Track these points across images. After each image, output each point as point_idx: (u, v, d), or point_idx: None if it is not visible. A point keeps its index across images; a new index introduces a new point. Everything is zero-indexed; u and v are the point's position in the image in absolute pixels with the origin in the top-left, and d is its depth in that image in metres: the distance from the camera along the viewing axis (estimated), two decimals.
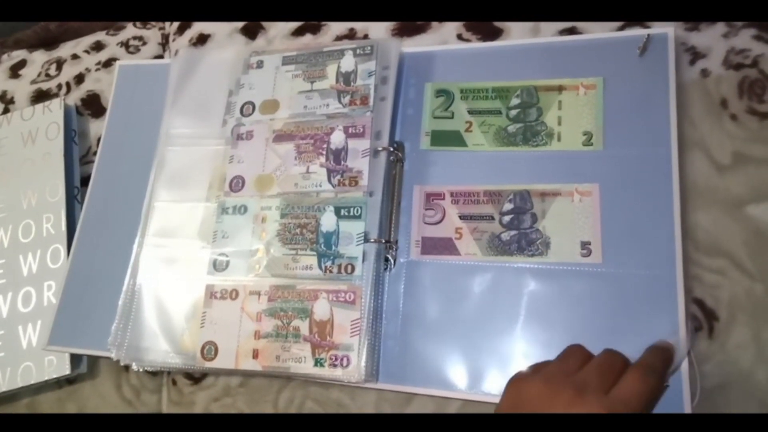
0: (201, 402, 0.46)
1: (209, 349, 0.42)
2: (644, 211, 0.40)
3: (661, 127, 0.41)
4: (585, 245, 0.40)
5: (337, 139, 0.44)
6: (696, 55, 0.43)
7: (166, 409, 0.47)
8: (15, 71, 0.64)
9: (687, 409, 0.35)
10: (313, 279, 0.42)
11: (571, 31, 0.46)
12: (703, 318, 0.38)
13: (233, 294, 0.43)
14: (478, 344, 0.39)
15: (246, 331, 0.42)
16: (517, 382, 0.32)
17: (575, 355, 0.32)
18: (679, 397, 0.36)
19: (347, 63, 0.47)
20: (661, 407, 0.36)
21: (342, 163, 0.44)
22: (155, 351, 0.44)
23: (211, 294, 0.44)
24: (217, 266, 0.44)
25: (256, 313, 0.42)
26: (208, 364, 0.42)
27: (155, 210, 0.48)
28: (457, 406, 0.40)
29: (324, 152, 0.45)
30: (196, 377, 0.47)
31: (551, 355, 0.38)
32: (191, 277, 0.45)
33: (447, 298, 0.41)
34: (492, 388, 0.39)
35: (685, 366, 0.36)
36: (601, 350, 0.33)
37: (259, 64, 0.50)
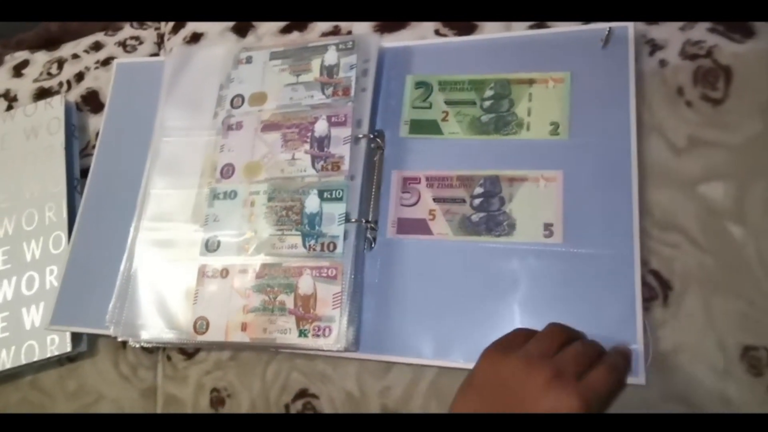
0: (194, 376, 0.49)
1: (201, 324, 0.45)
2: (605, 194, 0.42)
3: (622, 114, 0.44)
4: (548, 227, 0.43)
5: (321, 127, 0.47)
6: (655, 47, 0.46)
7: (161, 383, 0.50)
8: (18, 71, 0.67)
9: (641, 370, 0.38)
10: (298, 257, 0.44)
11: (540, 25, 0.49)
12: (659, 287, 0.41)
13: (224, 273, 0.46)
14: (450, 316, 0.42)
15: (235, 307, 0.45)
16: (493, 354, 0.34)
17: (555, 337, 0.35)
18: (634, 361, 0.38)
19: (330, 57, 0.50)
20: None
21: (325, 149, 0.47)
22: (150, 327, 0.47)
23: (203, 273, 0.46)
24: (209, 247, 0.47)
25: (244, 290, 0.45)
26: (200, 338, 0.45)
27: (151, 197, 0.51)
28: (433, 372, 0.43)
29: (308, 140, 0.48)
30: (189, 352, 0.50)
31: (515, 323, 0.41)
32: (185, 258, 0.47)
33: (420, 274, 0.44)
34: (462, 356, 0.41)
35: (640, 331, 0.39)
36: (578, 337, 0.36)
37: (248, 60, 0.53)
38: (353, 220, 0.44)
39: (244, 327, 0.44)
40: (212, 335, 0.45)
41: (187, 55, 0.55)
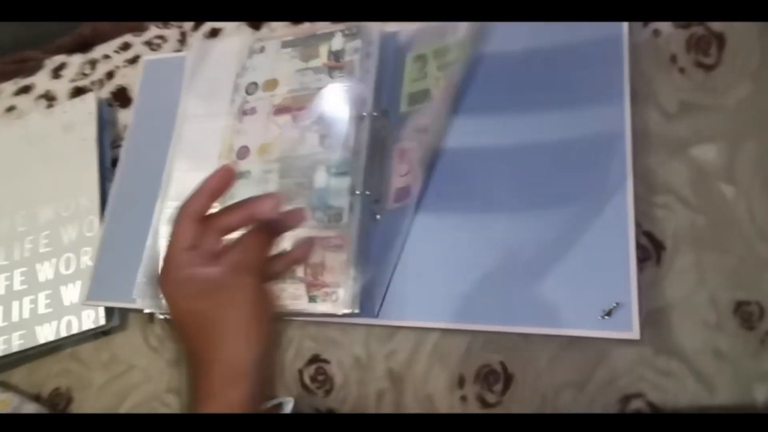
0: None
1: None
2: (598, 158, 0.44)
3: (616, 82, 0.45)
4: None
5: None
6: None
7: None
8: (56, 72, 0.73)
9: (635, 326, 0.39)
10: (307, 228, 0.47)
11: None
12: (652, 248, 0.42)
13: None
14: (448, 279, 0.44)
15: None
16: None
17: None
18: (628, 316, 0.40)
19: (337, 43, 0.53)
20: (613, 324, 0.40)
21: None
22: None
23: None
24: None
25: None
26: None
27: (174, 179, 0.55)
28: (436, 335, 0.45)
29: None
30: None
31: (514, 285, 0.43)
32: None
33: (419, 240, 0.46)
34: (461, 317, 0.43)
35: (634, 291, 0.40)
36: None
37: (262, 50, 0.56)
38: (358, 192, 0.47)
39: None
40: None
41: (207, 49, 0.59)
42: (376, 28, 0.52)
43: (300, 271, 0.47)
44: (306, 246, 0.37)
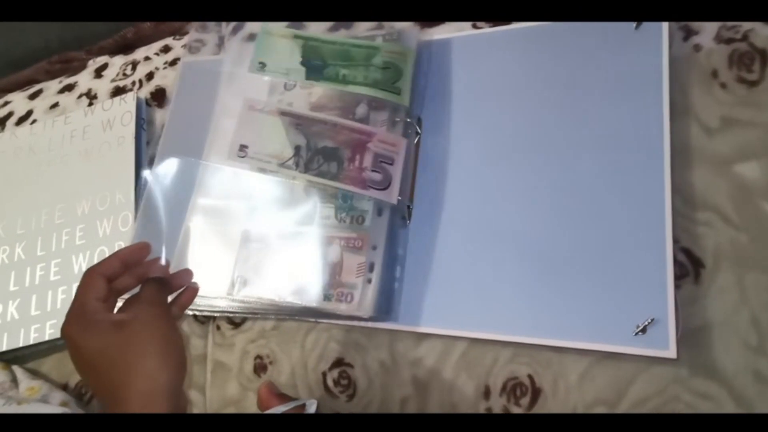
0: (240, 343, 0.53)
1: (239, 283, 0.49)
2: (636, 170, 0.43)
3: (654, 95, 0.44)
4: None
5: (361, 110, 0.50)
6: (689, 32, 0.47)
7: (211, 351, 0.54)
8: (98, 72, 0.75)
9: (672, 344, 0.38)
10: (329, 227, 0.48)
11: None
12: (690, 265, 0.41)
13: (264, 239, 0.50)
14: (479, 288, 0.44)
15: (269, 269, 0.48)
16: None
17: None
18: (665, 334, 0.39)
19: None
20: (648, 342, 0.39)
21: None
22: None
23: (246, 237, 0.50)
24: (252, 216, 0.51)
25: (279, 254, 0.49)
26: (236, 296, 0.49)
27: (207, 175, 0.55)
28: (464, 344, 0.44)
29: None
30: (236, 322, 0.53)
31: (546, 297, 0.42)
32: (231, 226, 0.51)
33: (449, 247, 0.46)
34: (492, 327, 0.43)
35: (671, 307, 0.39)
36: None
37: None
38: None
39: (275, 288, 0.47)
40: (247, 293, 0.48)
41: (244, 51, 0.60)
42: (413, 35, 0.53)
43: (318, 269, 0.47)
44: (191, 291, 0.41)
